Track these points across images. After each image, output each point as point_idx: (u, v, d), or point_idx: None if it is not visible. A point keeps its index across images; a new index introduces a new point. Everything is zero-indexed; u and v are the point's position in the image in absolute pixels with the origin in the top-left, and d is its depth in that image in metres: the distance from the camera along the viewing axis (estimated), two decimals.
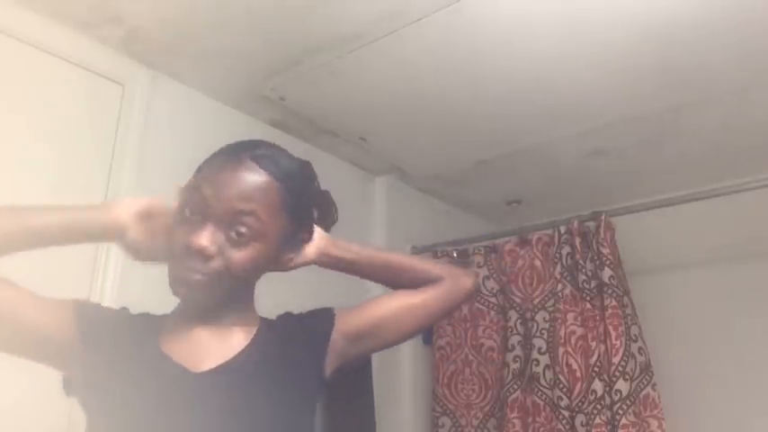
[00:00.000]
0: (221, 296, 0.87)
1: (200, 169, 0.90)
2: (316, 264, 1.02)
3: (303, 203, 0.97)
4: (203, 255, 0.82)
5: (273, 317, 1.01)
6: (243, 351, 0.89)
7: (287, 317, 1.01)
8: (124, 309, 0.96)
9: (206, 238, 0.82)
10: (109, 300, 1.57)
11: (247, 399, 0.85)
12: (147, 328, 0.91)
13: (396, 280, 1.05)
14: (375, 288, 2.07)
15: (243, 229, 0.84)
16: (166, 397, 0.83)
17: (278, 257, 0.92)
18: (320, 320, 0.99)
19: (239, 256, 0.84)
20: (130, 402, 0.82)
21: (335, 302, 1.06)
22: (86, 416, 0.86)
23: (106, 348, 0.86)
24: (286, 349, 0.93)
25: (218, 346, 0.89)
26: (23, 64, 1.58)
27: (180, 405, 0.83)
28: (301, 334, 0.97)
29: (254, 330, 0.93)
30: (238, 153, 0.88)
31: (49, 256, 1.50)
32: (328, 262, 1.03)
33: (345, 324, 0.99)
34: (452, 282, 1.05)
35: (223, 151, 0.90)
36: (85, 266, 1.61)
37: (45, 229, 0.86)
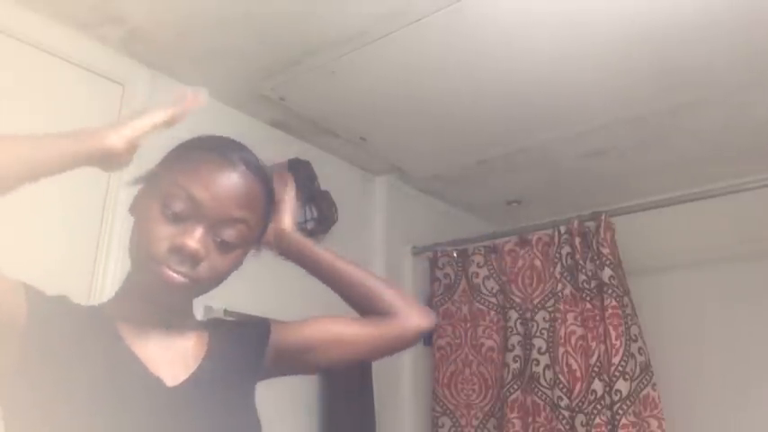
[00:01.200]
0: (197, 296, 0.85)
1: (179, 161, 0.86)
2: (275, 248, 0.98)
3: (271, 206, 0.93)
4: (195, 258, 0.79)
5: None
6: (203, 363, 0.87)
7: (224, 324, 1.00)
8: (64, 296, 0.87)
9: (198, 241, 0.79)
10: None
11: (210, 412, 0.84)
12: (103, 322, 0.84)
13: (346, 294, 1.01)
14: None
15: (232, 237, 0.81)
16: (137, 406, 0.78)
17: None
18: (255, 334, 0.97)
19: (224, 262, 0.82)
20: (90, 404, 0.76)
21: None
22: (7, 412, 0.78)
23: (55, 336, 0.79)
24: (231, 359, 0.91)
25: (175, 354, 0.86)
26: (23, 64, 1.58)
27: (151, 417, 0.79)
28: (240, 345, 0.95)
29: (203, 336, 0.91)
30: (228, 154, 0.85)
31: (48, 256, 1.51)
32: (283, 247, 0.99)
33: (278, 342, 0.96)
34: (403, 320, 0.99)
35: (206, 147, 0.87)
36: (85, 266, 1.61)
37: (42, 162, 0.82)
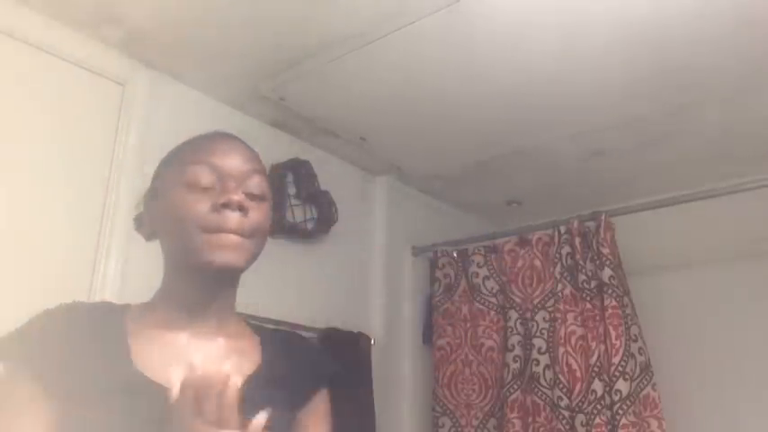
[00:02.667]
0: (250, 263, 0.87)
1: (182, 153, 0.91)
2: None
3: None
4: (242, 209, 0.84)
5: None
6: (254, 374, 0.86)
7: (295, 342, 1.00)
8: (75, 307, 0.87)
9: (238, 194, 0.84)
10: (109, 300, 1.57)
11: None
12: (111, 332, 0.83)
13: None
14: (377, 279, 2.04)
15: (256, 188, 0.88)
16: (139, 424, 0.75)
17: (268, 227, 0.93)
18: (313, 385, 0.95)
19: (260, 212, 0.87)
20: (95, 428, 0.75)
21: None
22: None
23: (65, 371, 0.78)
24: (281, 383, 0.88)
25: (214, 355, 0.84)
26: (23, 64, 1.58)
27: (153, 425, 0.74)
28: (297, 378, 0.92)
29: (253, 342, 0.91)
30: (218, 132, 0.93)
31: (48, 257, 1.51)
32: None
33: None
34: None
35: (198, 136, 0.93)
36: (85, 266, 1.61)
37: None
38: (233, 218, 0.83)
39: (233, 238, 0.83)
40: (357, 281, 2.36)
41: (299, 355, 0.97)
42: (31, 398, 0.77)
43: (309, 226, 2.14)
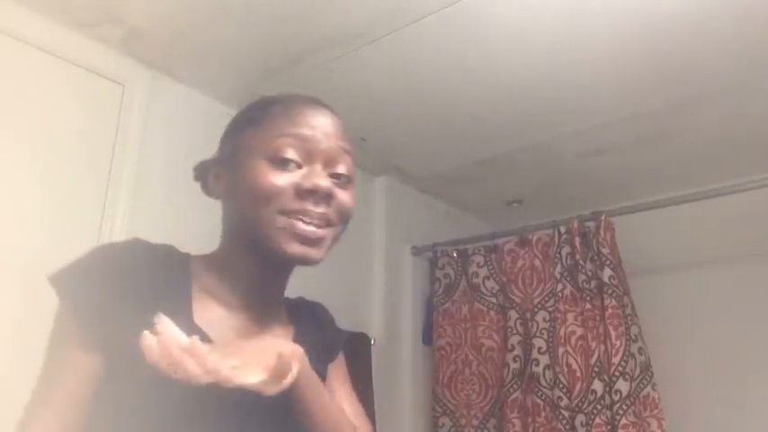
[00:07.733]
0: (327, 254, 0.79)
1: (259, 120, 0.80)
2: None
3: None
4: (329, 197, 0.75)
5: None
6: None
7: (319, 311, 0.98)
8: (139, 245, 0.78)
9: (324, 179, 0.76)
10: None
11: (282, 420, 0.76)
12: (176, 279, 0.76)
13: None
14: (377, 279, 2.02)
15: (343, 170, 0.79)
16: (196, 405, 0.69)
17: None
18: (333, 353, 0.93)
19: (346, 197, 0.79)
20: (145, 405, 0.68)
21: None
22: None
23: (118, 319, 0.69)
24: (312, 344, 0.82)
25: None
26: (23, 64, 1.58)
27: (214, 417, 0.70)
28: (324, 341, 0.91)
29: (288, 329, 0.86)
30: (313, 99, 0.85)
31: (48, 256, 1.50)
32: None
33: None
34: None
35: (281, 100, 0.85)
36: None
37: None
38: (318, 206, 0.74)
39: (315, 230, 0.74)
40: (357, 281, 2.36)
41: (325, 322, 0.97)
42: (79, 346, 0.70)
43: None
